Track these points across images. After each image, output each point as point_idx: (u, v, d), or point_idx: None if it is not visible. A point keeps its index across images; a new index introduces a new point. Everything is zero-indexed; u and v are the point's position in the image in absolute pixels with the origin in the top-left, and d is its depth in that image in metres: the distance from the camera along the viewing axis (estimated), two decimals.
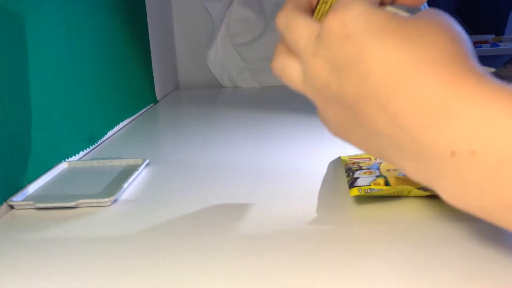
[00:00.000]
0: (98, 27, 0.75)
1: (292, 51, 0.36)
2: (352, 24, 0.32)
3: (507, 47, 1.54)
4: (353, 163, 0.52)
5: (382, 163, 0.50)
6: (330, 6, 0.37)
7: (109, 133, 0.75)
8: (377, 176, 0.47)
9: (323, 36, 0.33)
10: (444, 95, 0.28)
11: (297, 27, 0.35)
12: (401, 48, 0.30)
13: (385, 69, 0.30)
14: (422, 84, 0.29)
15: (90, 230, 0.43)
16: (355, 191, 0.45)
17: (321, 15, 0.37)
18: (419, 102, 0.29)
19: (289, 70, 0.37)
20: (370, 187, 0.45)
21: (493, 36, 1.63)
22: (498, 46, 1.54)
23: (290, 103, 0.95)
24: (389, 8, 0.36)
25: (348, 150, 0.60)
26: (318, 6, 0.37)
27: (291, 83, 0.37)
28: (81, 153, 0.65)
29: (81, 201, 0.47)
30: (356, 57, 0.31)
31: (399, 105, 0.30)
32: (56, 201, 0.48)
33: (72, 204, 0.47)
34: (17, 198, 0.49)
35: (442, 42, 0.30)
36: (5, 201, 0.48)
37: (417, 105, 0.29)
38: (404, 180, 0.45)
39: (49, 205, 0.47)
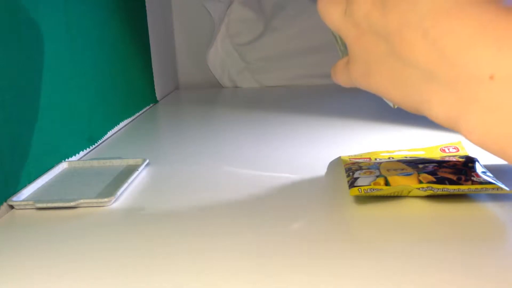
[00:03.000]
0: (98, 27, 0.75)
1: None
2: None
3: None
4: (353, 163, 0.52)
5: (382, 163, 0.50)
6: None
7: (109, 133, 0.75)
8: (377, 176, 0.47)
9: None
10: (493, 18, 0.29)
11: None
12: None
13: None
14: (472, 6, 0.29)
15: (90, 230, 0.43)
16: (355, 191, 0.45)
17: None
18: (466, 24, 0.29)
19: (333, 6, 0.38)
20: (370, 187, 0.45)
21: None
22: None
23: (290, 103, 0.95)
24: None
25: (348, 150, 0.60)
26: None
27: (331, 18, 0.38)
28: (81, 153, 0.65)
29: (81, 201, 0.48)
30: None
31: (444, 29, 0.30)
32: (56, 201, 0.48)
33: (72, 204, 0.47)
34: (17, 198, 0.49)
35: None
36: (5, 201, 0.48)
37: (463, 28, 0.29)
38: (404, 180, 0.45)
39: (49, 205, 0.47)
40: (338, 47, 0.43)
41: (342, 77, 0.40)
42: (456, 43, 0.29)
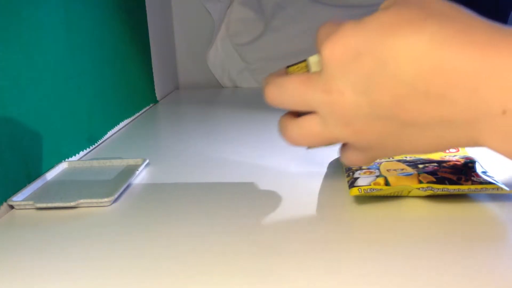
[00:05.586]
0: (98, 27, 0.75)
1: (299, 111, 0.36)
2: (355, 40, 0.32)
3: None
4: None
5: (382, 163, 0.50)
6: (304, 62, 0.37)
7: (109, 133, 0.75)
8: (377, 176, 0.47)
9: (330, 69, 0.33)
10: (482, 60, 0.29)
11: (292, 84, 0.36)
12: (416, 32, 0.30)
13: (413, 59, 0.30)
14: (456, 56, 0.29)
15: (90, 230, 0.43)
16: (355, 191, 0.45)
17: (299, 70, 0.37)
18: (460, 74, 0.29)
19: (307, 128, 0.36)
20: (370, 187, 0.45)
21: None
22: None
23: None
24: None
25: None
26: (291, 68, 0.38)
27: (314, 138, 0.37)
28: (81, 153, 0.65)
29: (81, 201, 0.47)
30: (379, 65, 0.31)
31: (442, 84, 0.30)
32: (56, 201, 0.48)
33: (72, 204, 0.47)
34: (17, 198, 0.49)
35: (453, 13, 0.31)
36: (5, 201, 0.48)
37: (460, 77, 0.29)
38: (404, 180, 0.45)
39: (49, 205, 0.47)
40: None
41: (361, 161, 0.39)
42: (461, 91, 0.30)
